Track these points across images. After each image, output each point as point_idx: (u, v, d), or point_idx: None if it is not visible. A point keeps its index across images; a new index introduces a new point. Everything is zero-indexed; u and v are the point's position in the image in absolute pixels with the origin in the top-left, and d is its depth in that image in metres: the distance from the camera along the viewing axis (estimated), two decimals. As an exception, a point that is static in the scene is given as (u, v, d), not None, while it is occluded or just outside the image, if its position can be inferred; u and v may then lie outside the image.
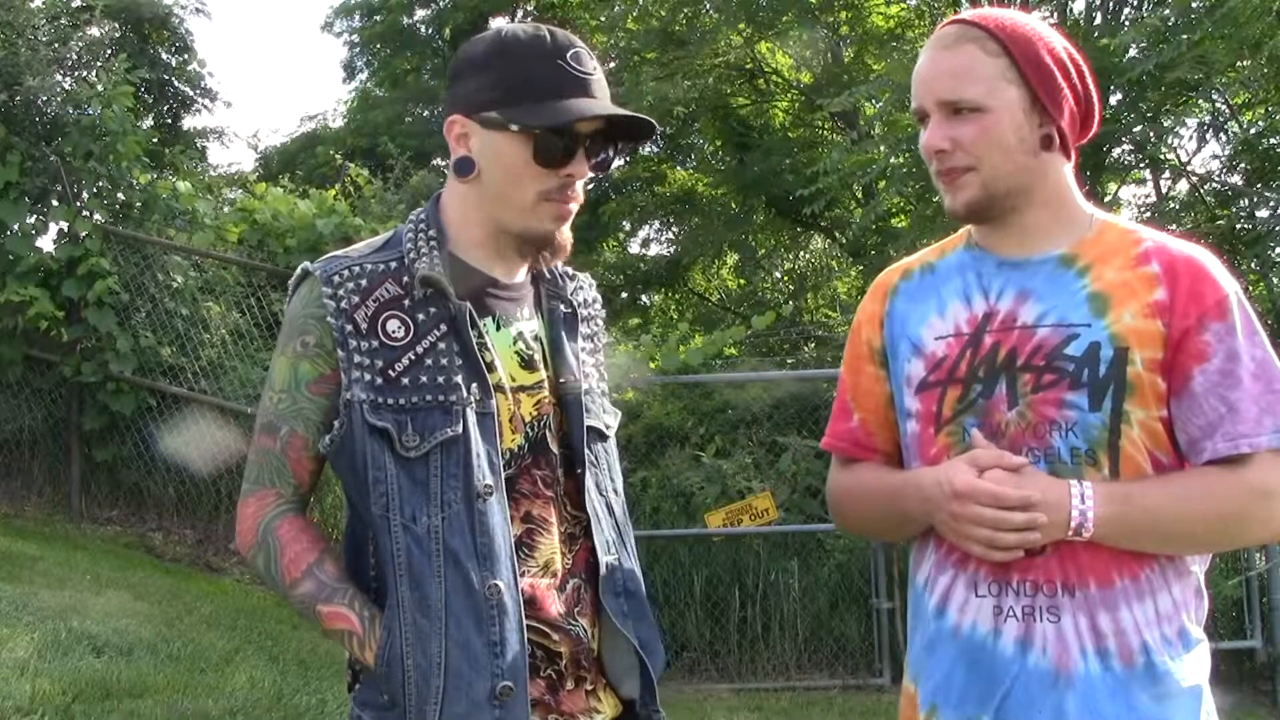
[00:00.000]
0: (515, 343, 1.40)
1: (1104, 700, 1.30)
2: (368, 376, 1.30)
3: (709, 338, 6.71)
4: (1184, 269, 1.35)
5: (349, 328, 1.31)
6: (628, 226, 16.63)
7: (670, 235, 16.47)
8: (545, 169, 1.33)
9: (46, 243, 6.61)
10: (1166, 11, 6.60)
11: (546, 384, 1.41)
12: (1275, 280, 7.55)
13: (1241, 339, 1.33)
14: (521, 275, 1.44)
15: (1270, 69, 6.21)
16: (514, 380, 1.38)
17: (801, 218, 12.57)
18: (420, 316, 1.32)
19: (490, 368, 1.34)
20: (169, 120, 13.93)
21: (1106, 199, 9.19)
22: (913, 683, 1.44)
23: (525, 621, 1.31)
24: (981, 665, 1.36)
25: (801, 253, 15.41)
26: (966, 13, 1.44)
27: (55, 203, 6.58)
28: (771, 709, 4.97)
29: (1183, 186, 9.19)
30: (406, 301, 1.33)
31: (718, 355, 6.89)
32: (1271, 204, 7.48)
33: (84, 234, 6.38)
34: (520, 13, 15.73)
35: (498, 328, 1.38)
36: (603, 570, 1.40)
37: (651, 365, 6.07)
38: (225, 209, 7.53)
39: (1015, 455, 1.34)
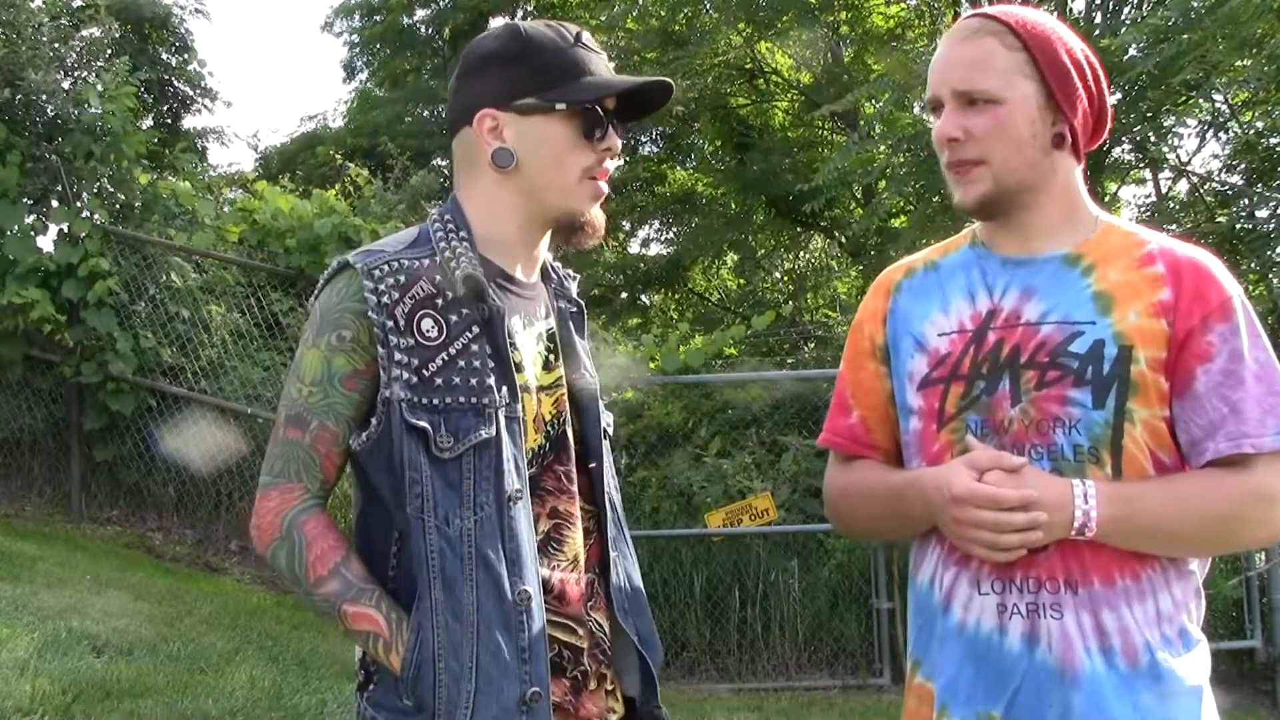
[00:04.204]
0: (538, 342, 1.41)
1: (1110, 699, 1.30)
2: (405, 375, 1.28)
3: (709, 338, 6.71)
4: (1189, 270, 1.35)
5: (390, 324, 1.29)
6: (628, 226, 16.62)
7: (670, 235, 16.48)
8: (589, 144, 1.36)
9: (46, 243, 6.62)
10: (1166, 11, 6.59)
11: (563, 382, 1.42)
12: (1275, 281, 7.55)
13: (1245, 340, 1.33)
14: (536, 275, 1.45)
15: (1271, 68, 6.21)
16: (537, 380, 1.39)
17: (801, 218, 12.57)
18: (453, 317, 1.32)
19: (519, 369, 1.35)
20: (169, 120, 13.92)
21: (1106, 199, 9.19)
22: (928, 680, 1.44)
23: (552, 618, 1.32)
24: (989, 662, 1.36)
25: (801, 253, 15.40)
26: (988, 8, 1.44)
27: (55, 203, 6.57)
28: (771, 709, 4.97)
29: (1183, 186, 9.18)
30: (439, 301, 1.32)
31: (718, 355, 6.89)
32: (1271, 204, 7.46)
33: (83, 234, 6.38)
34: (520, 13, 15.72)
35: (523, 327, 1.39)
36: (611, 564, 1.42)
37: (651, 365, 6.07)
38: (225, 209, 7.53)
39: (1014, 455, 1.34)
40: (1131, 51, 6.61)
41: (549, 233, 1.43)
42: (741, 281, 16.13)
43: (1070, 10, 8.05)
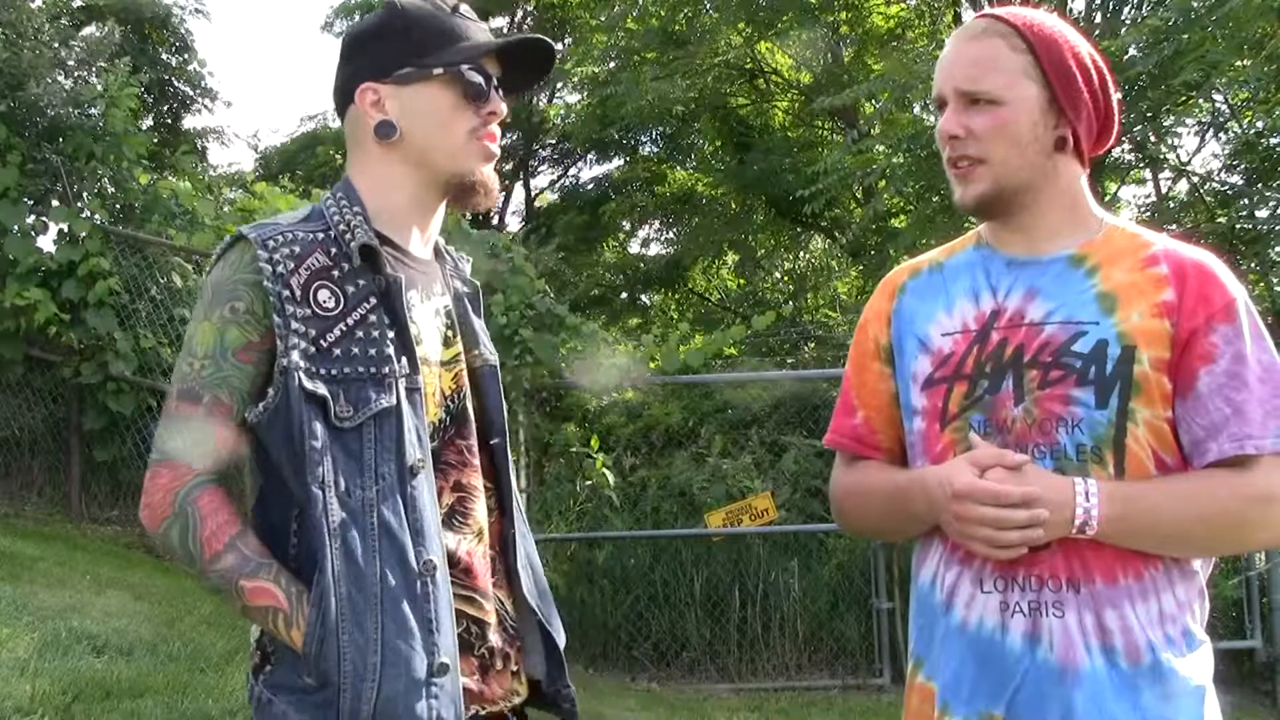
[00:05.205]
0: (436, 317, 1.41)
1: (1110, 698, 1.30)
2: (303, 344, 1.27)
3: (709, 338, 6.70)
4: (1193, 272, 1.35)
5: (285, 293, 1.28)
6: (628, 226, 16.63)
7: (670, 235, 16.49)
8: (472, 106, 1.37)
9: (47, 243, 6.63)
10: (1166, 11, 6.59)
11: (462, 358, 1.43)
12: (1275, 280, 7.55)
13: (1249, 342, 1.33)
14: (430, 252, 1.46)
15: (1271, 68, 6.21)
16: (436, 355, 1.39)
17: (801, 218, 12.57)
18: (350, 288, 1.31)
19: (418, 341, 1.35)
20: (169, 120, 13.91)
21: (1106, 199, 9.19)
22: (930, 679, 1.44)
23: (459, 591, 1.32)
24: (990, 661, 1.36)
25: (801, 253, 15.41)
26: (997, 9, 1.45)
27: (56, 203, 6.58)
28: (771, 709, 4.98)
29: (1183, 186, 9.19)
30: (335, 272, 1.31)
31: (718, 355, 6.89)
32: (1271, 204, 7.47)
33: (84, 235, 6.38)
34: (520, 13, 15.73)
35: (421, 301, 1.39)
36: (518, 541, 1.42)
37: (651, 365, 6.07)
38: (225, 209, 7.53)
39: (1017, 453, 1.34)
40: (1131, 51, 6.62)
41: (442, 205, 1.43)
42: (741, 281, 16.14)
43: (1070, 10, 8.05)
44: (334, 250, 1.32)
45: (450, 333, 1.43)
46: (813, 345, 9.94)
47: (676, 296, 16.00)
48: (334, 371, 1.27)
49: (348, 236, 1.32)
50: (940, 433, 1.42)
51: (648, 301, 16.02)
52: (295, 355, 1.26)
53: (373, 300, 1.31)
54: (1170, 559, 1.35)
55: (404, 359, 1.31)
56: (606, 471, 5.95)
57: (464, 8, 1.40)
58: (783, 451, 6.11)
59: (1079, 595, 1.33)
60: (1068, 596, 1.33)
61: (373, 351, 1.29)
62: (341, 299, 1.30)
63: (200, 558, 1.26)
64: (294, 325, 1.27)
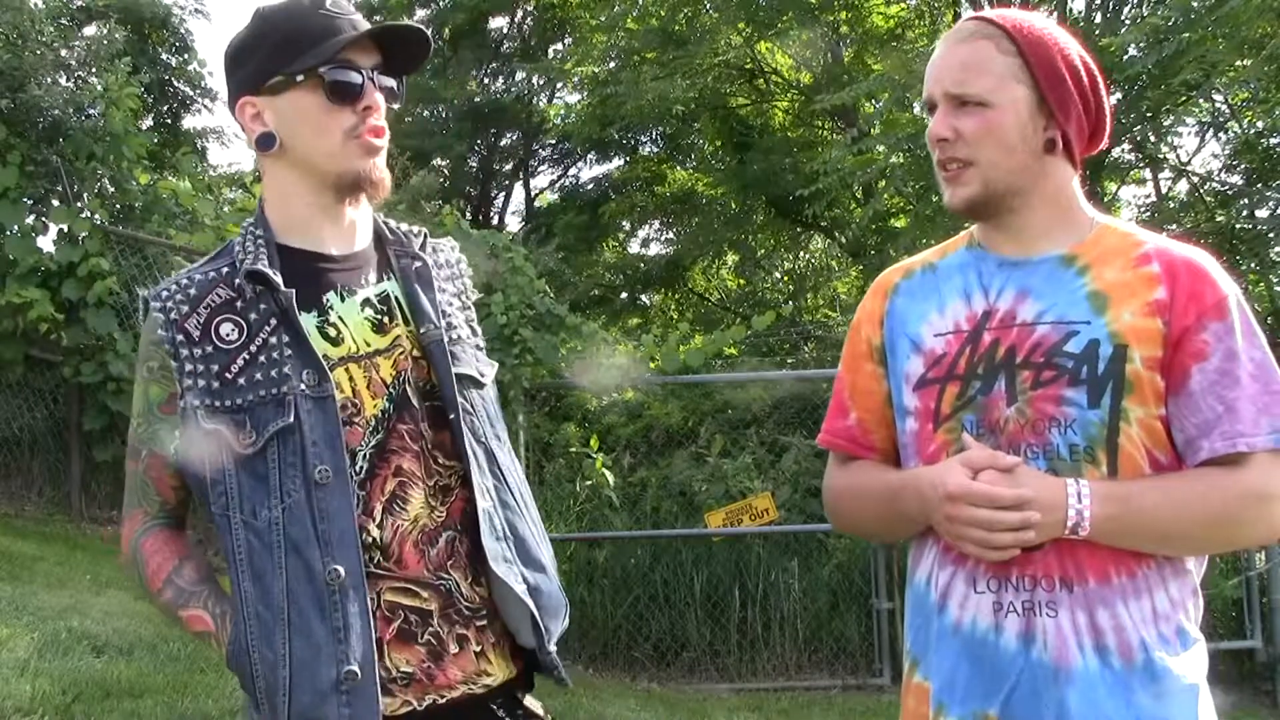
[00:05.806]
0: (363, 309, 1.41)
1: (1104, 697, 1.30)
2: (202, 383, 1.32)
3: (709, 338, 6.70)
4: (1184, 269, 1.35)
5: (180, 338, 1.33)
6: (628, 226, 16.65)
7: (670, 235, 16.50)
8: (341, 107, 1.35)
9: (47, 244, 6.63)
10: (1167, 11, 6.60)
11: (405, 340, 1.41)
12: (1275, 280, 7.56)
13: (1240, 340, 1.33)
14: (360, 244, 1.45)
15: (1271, 68, 6.22)
16: (369, 346, 1.39)
17: (801, 218, 12.58)
18: (252, 316, 1.34)
19: (337, 341, 1.36)
20: (169, 120, 13.92)
21: (1106, 199, 9.19)
22: (926, 679, 1.44)
23: (393, 583, 1.32)
24: (985, 661, 1.36)
25: (801, 253, 15.42)
26: (986, 11, 1.45)
27: (56, 204, 6.59)
28: (771, 709, 4.98)
29: (1183, 186, 9.19)
30: (239, 304, 1.35)
31: (718, 355, 6.89)
32: (1271, 204, 7.49)
33: (84, 235, 6.39)
34: (520, 12, 15.72)
35: (342, 300, 1.39)
36: (481, 515, 1.38)
37: (651, 365, 6.07)
38: (225, 209, 7.54)
39: (1009, 455, 1.34)
40: (1131, 51, 6.62)
41: (348, 201, 1.42)
42: (741, 281, 16.15)
43: (1070, 10, 8.05)
44: (237, 281, 1.36)
45: (386, 319, 1.41)
46: (813, 345, 9.95)
47: (676, 296, 16.01)
48: (239, 401, 1.31)
49: (246, 265, 1.35)
50: (933, 433, 1.42)
51: (648, 301, 16.03)
52: (191, 397, 1.32)
53: (274, 321, 1.34)
54: (1164, 558, 1.35)
55: (306, 371, 1.32)
56: (606, 471, 5.95)
57: (329, 2, 1.37)
58: (783, 451, 6.12)
59: (1072, 595, 1.33)
60: (1061, 596, 1.33)
61: (273, 373, 1.32)
62: (245, 328, 1.34)
63: (151, 594, 1.42)
64: (189, 367, 1.33)
